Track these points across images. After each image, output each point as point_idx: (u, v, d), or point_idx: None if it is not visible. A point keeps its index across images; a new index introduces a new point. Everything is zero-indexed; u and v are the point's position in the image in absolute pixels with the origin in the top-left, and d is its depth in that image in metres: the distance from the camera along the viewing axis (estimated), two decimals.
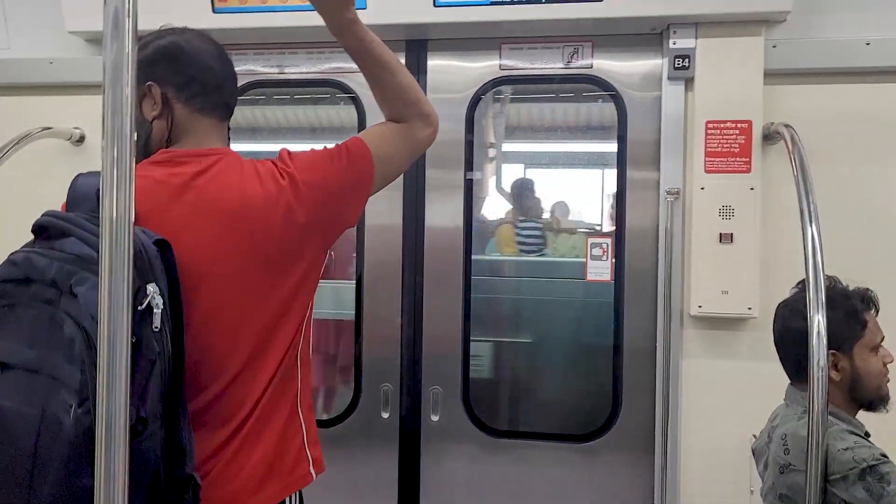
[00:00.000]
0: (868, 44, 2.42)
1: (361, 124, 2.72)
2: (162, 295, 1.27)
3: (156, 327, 1.25)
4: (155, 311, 1.25)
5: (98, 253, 0.98)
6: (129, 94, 1.02)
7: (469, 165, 2.72)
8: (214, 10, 2.56)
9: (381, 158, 1.57)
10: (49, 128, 2.78)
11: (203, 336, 1.42)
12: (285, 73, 2.75)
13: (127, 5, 1.02)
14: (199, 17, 2.57)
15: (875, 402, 1.93)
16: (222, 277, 1.43)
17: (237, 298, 1.45)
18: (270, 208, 1.44)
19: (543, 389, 3.01)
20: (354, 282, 2.76)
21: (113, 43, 1.00)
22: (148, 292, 1.25)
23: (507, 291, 3.07)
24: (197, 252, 1.41)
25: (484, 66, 2.70)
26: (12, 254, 1.33)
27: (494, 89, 2.75)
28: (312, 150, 1.57)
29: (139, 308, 1.23)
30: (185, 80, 1.52)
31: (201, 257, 1.42)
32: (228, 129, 1.62)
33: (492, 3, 2.47)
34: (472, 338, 2.71)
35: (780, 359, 2.03)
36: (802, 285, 1.96)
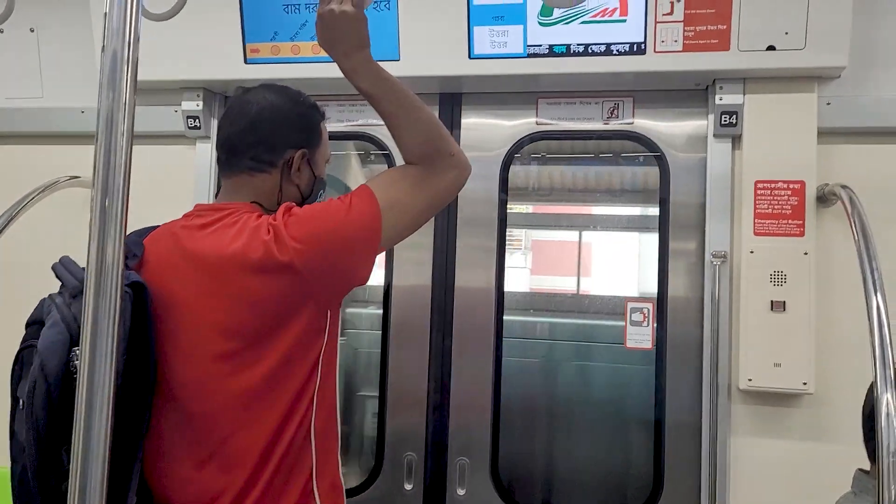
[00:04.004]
0: None
1: None
2: (127, 337, 1.28)
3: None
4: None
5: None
6: (123, 143, 0.94)
7: (503, 225, 2.60)
8: (246, 61, 2.51)
9: (392, 206, 1.44)
10: (77, 177, 2.74)
11: (187, 374, 1.42)
12: None
13: (126, 52, 0.94)
14: (232, 68, 2.54)
15: None
16: (202, 325, 1.40)
17: (212, 350, 1.38)
18: (246, 262, 1.37)
19: (580, 464, 2.82)
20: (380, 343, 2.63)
21: (109, 91, 0.94)
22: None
23: (541, 355, 2.92)
24: (183, 299, 1.41)
25: (520, 123, 2.60)
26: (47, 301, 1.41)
27: (530, 145, 2.64)
28: (317, 203, 1.49)
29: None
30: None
31: (186, 304, 1.41)
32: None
33: (529, 56, 2.38)
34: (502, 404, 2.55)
35: (864, 439, 1.84)
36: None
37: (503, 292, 2.58)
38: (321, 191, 1.63)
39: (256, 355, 1.38)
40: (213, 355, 1.39)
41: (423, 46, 2.41)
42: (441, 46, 2.41)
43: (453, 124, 2.59)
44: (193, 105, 2.67)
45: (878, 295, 1.79)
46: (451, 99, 2.61)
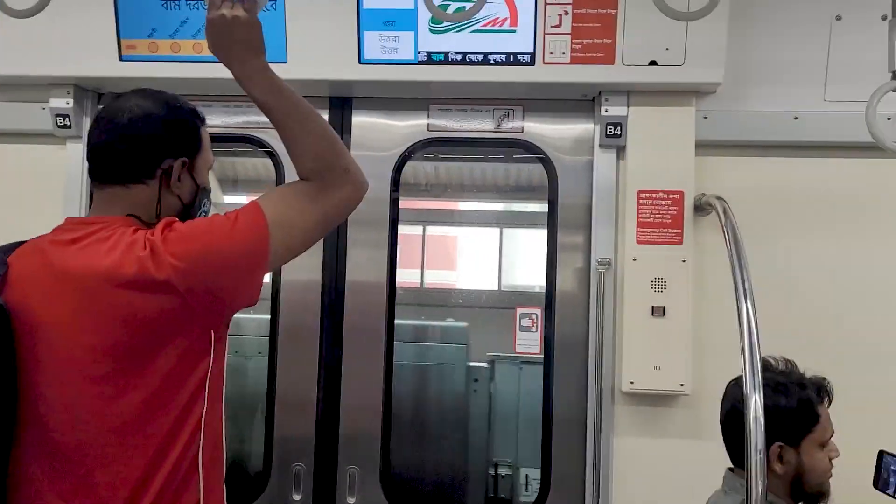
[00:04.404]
0: (797, 118, 2.41)
1: (280, 180, 2.56)
2: None
3: None
4: None
5: None
6: None
7: (394, 225, 2.58)
8: (122, 58, 2.38)
9: (281, 224, 1.39)
10: None
11: (59, 400, 1.33)
12: None
13: None
14: (106, 65, 2.40)
15: (815, 498, 1.84)
16: (74, 347, 1.32)
17: (87, 373, 1.31)
18: (119, 279, 1.30)
19: (471, 466, 2.85)
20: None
21: None
22: None
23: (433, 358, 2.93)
24: (53, 320, 1.33)
25: (412, 125, 2.59)
26: None
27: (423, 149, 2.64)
28: (200, 219, 1.42)
29: None
30: None
31: (57, 326, 1.32)
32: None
33: (420, 63, 2.37)
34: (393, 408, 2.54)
35: (725, 440, 1.93)
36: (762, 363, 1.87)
37: (395, 292, 2.57)
38: (205, 200, 1.56)
39: (133, 378, 1.31)
40: (87, 379, 1.31)
41: (312, 49, 2.35)
42: (330, 50, 2.36)
43: (343, 129, 2.55)
44: (63, 102, 2.51)
45: (748, 302, 1.88)
46: (342, 103, 2.57)
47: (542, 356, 2.51)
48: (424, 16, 2.33)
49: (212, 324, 1.37)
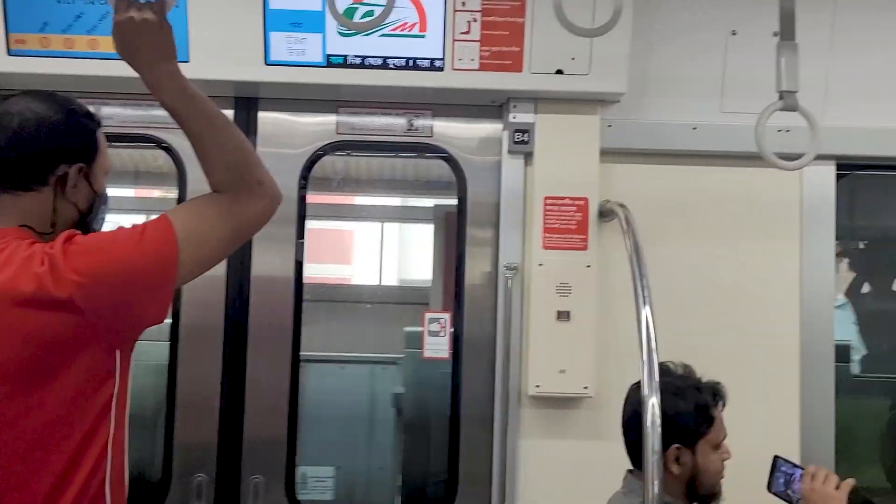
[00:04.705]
0: (695, 128, 2.50)
1: (182, 181, 2.49)
2: None
3: None
4: None
5: None
6: None
7: (302, 223, 2.54)
8: (10, 53, 2.26)
9: (191, 237, 1.34)
10: None
11: None
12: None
13: None
14: None
15: (708, 499, 1.91)
16: None
17: None
18: (15, 297, 1.23)
19: (381, 470, 2.84)
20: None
21: None
22: None
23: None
24: None
25: (320, 125, 2.55)
26: None
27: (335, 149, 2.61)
28: (104, 232, 1.36)
29: None
30: None
31: None
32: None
33: (328, 66, 2.34)
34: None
35: (626, 443, 1.98)
36: (660, 369, 1.92)
37: (302, 290, 2.54)
38: (102, 207, 1.49)
39: (32, 400, 1.25)
40: None
41: (216, 49, 2.30)
42: (235, 50, 2.31)
43: (249, 129, 2.49)
44: None
45: (647, 307, 1.94)
46: (247, 103, 2.51)
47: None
48: (333, 18, 2.30)
49: (116, 343, 1.31)
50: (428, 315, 2.54)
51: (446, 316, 2.54)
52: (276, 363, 2.47)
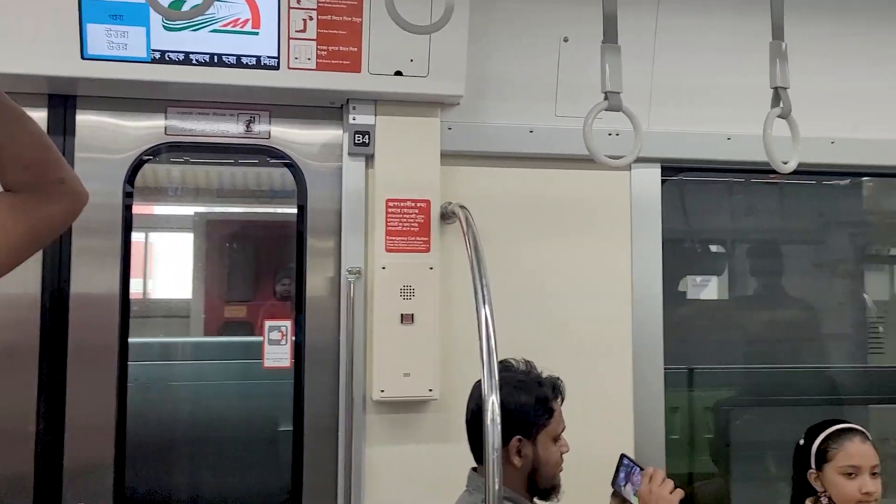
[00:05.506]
0: (532, 131, 2.56)
1: None
2: None
3: None
4: None
5: None
6: None
7: (128, 233, 2.38)
8: None
9: None
10: None
11: None
12: None
13: None
14: None
15: (549, 492, 1.95)
16: None
17: None
18: None
19: (219, 488, 2.70)
20: None
21: None
22: None
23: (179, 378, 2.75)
24: None
25: (147, 127, 2.40)
26: None
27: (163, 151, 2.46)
28: None
29: None
30: None
31: None
32: None
33: (153, 61, 2.21)
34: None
35: (469, 440, 1.99)
36: (502, 365, 1.94)
37: (129, 305, 2.38)
38: None
39: None
40: None
41: (26, 40, 2.11)
42: (47, 42, 2.13)
43: (66, 129, 2.31)
44: None
45: (486, 307, 1.95)
46: (63, 101, 2.33)
47: None
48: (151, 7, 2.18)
49: None
50: (268, 323, 2.45)
51: (287, 324, 2.46)
52: (100, 384, 2.30)
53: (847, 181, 3.70)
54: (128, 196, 2.38)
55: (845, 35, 2.71)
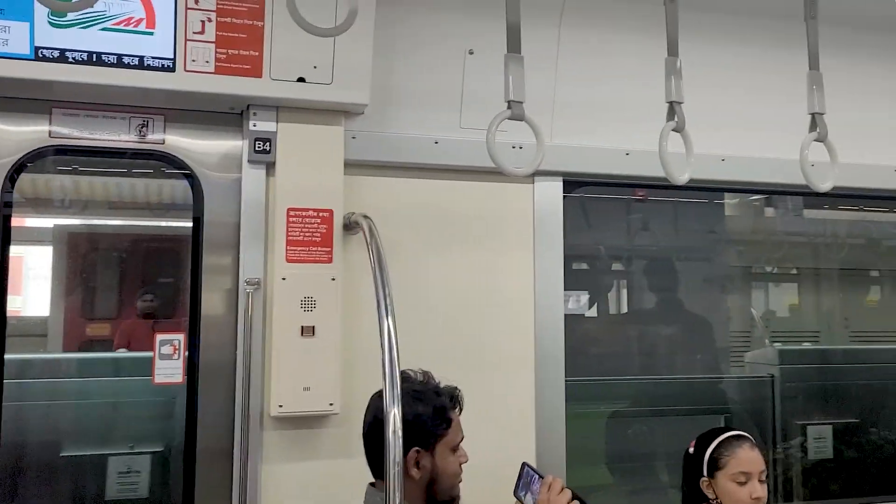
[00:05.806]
0: (437, 142, 2.56)
1: None
2: None
3: None
4: None
5: None
6: None
7: (5, 246, 2.23)
8: None
9: None
10: None
11: None
12: None
13: None
14: None
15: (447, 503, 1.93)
16: None
17: None
18: None
19: None
20: None
21: None
22: None
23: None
24: None
25: (29, 131, 2.26)
26: None
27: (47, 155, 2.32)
28: None
29: None
30: None
31: None
32: None
33: (37, 59, 2.08)
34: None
35: (366, 453, 1.95)
36: (400, 376, 1.89)
37: (6, 322, 2.22)
38: None
39: None
40: None
41: None
42: None
43: None
44: None
45: (389, 318, 1.91)
46: None
47: None
48: (42, 5, 2.06)
49: None
50: (159, 337, 2.33)
51: (180, 337, 2.35)
52: None
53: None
54: (6, 206, 2.23)
55: (738, 59, 2.83)
